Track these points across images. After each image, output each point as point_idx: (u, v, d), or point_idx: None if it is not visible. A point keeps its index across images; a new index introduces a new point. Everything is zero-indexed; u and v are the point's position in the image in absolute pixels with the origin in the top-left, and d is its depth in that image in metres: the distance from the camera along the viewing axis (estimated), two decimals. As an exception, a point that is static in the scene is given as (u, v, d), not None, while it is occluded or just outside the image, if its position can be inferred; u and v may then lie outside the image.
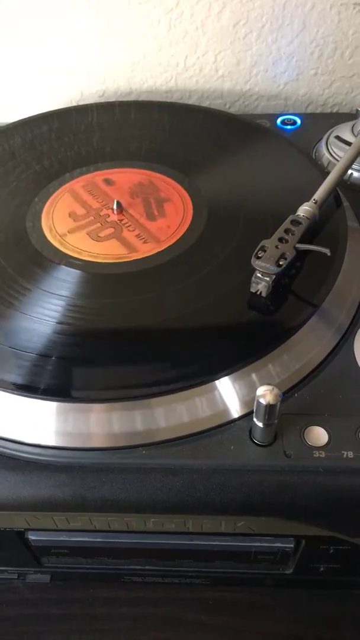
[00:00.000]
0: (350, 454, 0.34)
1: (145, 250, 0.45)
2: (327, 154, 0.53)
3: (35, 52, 0.64)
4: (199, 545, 0.41)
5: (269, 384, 0.32)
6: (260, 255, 0.40)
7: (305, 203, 0.44)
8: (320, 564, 0.43)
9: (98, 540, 0.41)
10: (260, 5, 0.59)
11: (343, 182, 0.49)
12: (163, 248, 0.45)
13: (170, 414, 0.35)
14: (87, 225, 0.48)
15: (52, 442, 0.35)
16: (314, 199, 0.44)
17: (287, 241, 0.40)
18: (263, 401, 0.31)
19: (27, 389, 0.36)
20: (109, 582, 0.47)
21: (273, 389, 0.32)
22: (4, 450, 0.35)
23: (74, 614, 0.47)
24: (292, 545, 0.40)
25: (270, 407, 0.32)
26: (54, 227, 0.48)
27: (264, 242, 0.40)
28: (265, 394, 0.31)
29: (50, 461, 0.35)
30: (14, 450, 0.35)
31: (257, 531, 0.38)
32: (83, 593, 0.47)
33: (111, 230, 0.47)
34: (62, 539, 0.41)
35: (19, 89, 0.67)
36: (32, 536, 0.41)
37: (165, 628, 0.46)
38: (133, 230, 0.47)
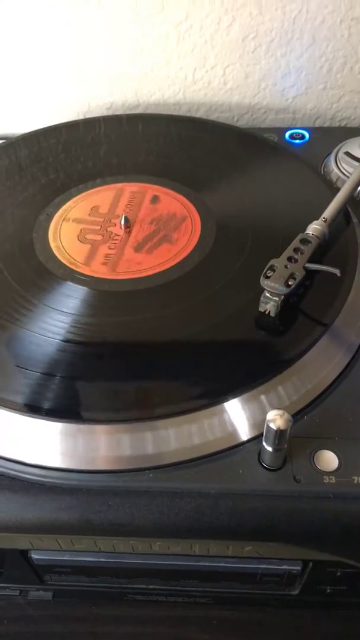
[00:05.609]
0: (362, 480, 0.33)
1: (96, 270, 0.44)
2: (336, 170, 0.53)
3: (43, 64, 0.64)
4: (204, 567, 0.40)
5: (279, 408, 0.32)
6: (269, 275, 0.39)
7: (315, 221, 0.43)
8: (327, 586, 0.42)
9: (102, 560, 0.40)
10: (269, 19, 0.59)
11: (352, 199, 0.48)
12: (107, 277, 0.44)
13: (178, 437, 0.35)
14: (91, 223, 0.48)
15: (57, 463, 0.35)
16: (324, 217, 0.43)
17: (296, 260, 0.40)
18: (273, 426, 0.31)
19: (32, 409, 0.36)
20: (112, 600, 0.47)
21: (283, 413, 0.31)
22: (8, 471, 0.35)
23: (76, 631, 0.46)
24: (299, 568, 0.40)
25: (280, 432, 0.31)
26: (70, 211, 0.49)
27: (273, 262, 0.40)
28: (275, 419, 0.31)
29: (55, 483, 0.34)
30: (18, 471, 0.35)
31: (264, 555, 0.37)
32: (85, 611, 0.47)
33: (99, 237, 0.47)
34: (65, 558, 0.40)
35: (27, 100, 0.67)
36: (35, 555, 0.40)
37: (168, 647, 0.45)
38: (112, 249, 0.46)
